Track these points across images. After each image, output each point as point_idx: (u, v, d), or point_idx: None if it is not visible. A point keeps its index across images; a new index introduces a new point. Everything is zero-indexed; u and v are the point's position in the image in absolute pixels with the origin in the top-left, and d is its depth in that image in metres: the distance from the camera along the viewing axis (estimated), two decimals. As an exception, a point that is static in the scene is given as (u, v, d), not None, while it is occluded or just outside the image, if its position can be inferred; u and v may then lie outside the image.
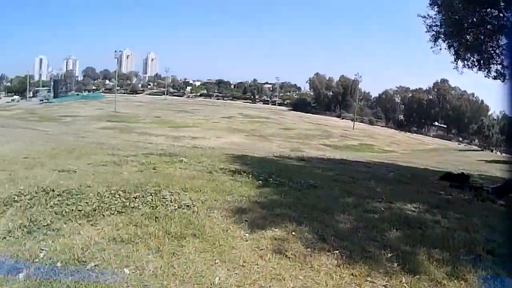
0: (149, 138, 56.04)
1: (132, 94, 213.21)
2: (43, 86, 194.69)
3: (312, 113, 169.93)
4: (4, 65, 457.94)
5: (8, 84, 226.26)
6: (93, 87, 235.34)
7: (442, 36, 23.11)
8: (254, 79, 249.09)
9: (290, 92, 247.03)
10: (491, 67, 21.91)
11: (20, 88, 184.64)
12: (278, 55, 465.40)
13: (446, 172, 18.84)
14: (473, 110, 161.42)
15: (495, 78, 21.41)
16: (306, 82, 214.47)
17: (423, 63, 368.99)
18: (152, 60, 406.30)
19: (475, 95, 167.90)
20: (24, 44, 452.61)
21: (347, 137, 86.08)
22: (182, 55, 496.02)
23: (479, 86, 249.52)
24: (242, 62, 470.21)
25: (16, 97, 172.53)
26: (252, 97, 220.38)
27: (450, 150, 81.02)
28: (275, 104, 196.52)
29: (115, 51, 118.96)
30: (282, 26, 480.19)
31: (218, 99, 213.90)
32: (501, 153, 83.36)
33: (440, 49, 23.67)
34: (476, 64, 22.53)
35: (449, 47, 23.19)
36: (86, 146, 20.26)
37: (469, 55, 22.73)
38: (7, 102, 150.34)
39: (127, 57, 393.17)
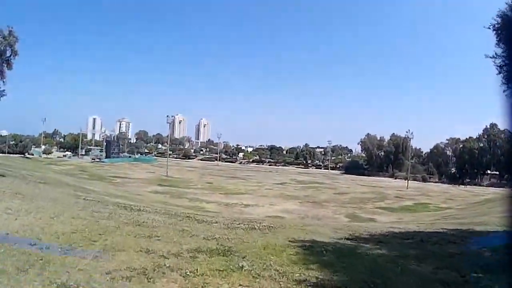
0: (200, 205, 54.46)
1: (184, 159, 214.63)
2: (95, 145, 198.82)
3: (365, 175, 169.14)
4: (58, 121, 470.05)
5: (61, 140, 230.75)
6: (146, 150, 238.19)
7: None
8: (306, 144, 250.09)
9: (341, 155, 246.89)
10: None
11: (73, 145, 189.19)
12: (329, 118, 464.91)
13: None
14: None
15: None
16: (358, 144, 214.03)
17: (471, 109, 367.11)
18: (204, 126, 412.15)
19: None
20: (78, 102, 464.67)
21: (402, 198, 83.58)
22: (234, 121, 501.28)
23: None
24: (294, 127, 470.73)
25: (68, 153, 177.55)
26: (304, 162, 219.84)
27: (508, 197, 77.69)
28: (327, 168, 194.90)
29: (167, 116, 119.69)
30: (330, 87, 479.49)
31: (270, 165, 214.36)
32: None
33: None
34: None
35: None
36: (119, 229, 15.17)
37: None
38: (58, 157, 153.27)
39: (180, 122, 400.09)
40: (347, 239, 17.73)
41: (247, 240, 14.88)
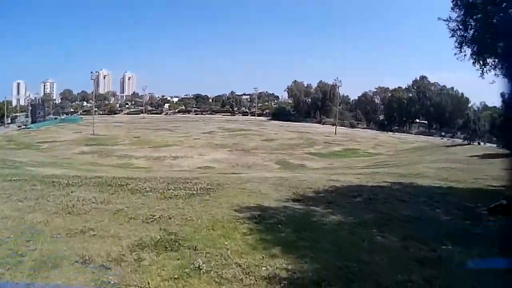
0: (130, 161, 54.74)
1: (110, 114, 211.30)
2: (21, 111, 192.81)
3: (292, 121, 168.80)
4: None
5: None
6: (71, 110, 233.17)
7: (469, 41, 22.20)
8: (232, 91, 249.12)
9: (268, 101, 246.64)
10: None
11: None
12: (255, 65, 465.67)
13: (496, 204, 15.93)
14: (453, 104, 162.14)
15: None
16: (284, 91, 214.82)
17: (402, 63, 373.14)
18: (129, 79, 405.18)
19: (454, 89, 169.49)
20: (1, 69, 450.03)
21: (331, 143, 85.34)
22: (158, 72, 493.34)
23: (458, 79, 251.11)
24: (219, 75, 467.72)
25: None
26: (231, 109, 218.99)
27: (437, 147, 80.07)
28: (254, 115, 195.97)
29: (91, 72, 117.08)
30: (255, 33, 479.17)
31: (196, 114, 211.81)
32: (484, 144, 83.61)
33: (465, 55, 22.82)
34: (504, 74, 21.24)
35: (476, 54, 22.27)
36: (48, 225, 12.23)
37: (496, 63, 21.93)
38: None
39: (104, 77, 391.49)
40: (294, 200, 16.94)
41: (190, 216, 13.00)
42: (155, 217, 12.60)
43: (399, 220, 13.78)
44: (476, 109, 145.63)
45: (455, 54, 22.68)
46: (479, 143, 78.48)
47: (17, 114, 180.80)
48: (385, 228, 12.53)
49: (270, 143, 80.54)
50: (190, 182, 20.30)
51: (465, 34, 22.10)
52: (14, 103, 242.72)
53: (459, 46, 22.37)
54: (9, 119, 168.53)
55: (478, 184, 24.90)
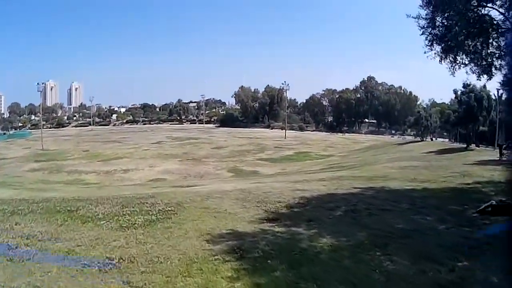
0: (80, 177, 54.55)
1: (59, 127, 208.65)
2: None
3: (241, 127, 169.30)
4: None
5: None
6: (20, 124, 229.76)
7: (438, 39, 22.55)
8: (179, 100, 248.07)
9: (216, 108, 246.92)
10: (492, 73, 21.97)
11: None
12: (201, 72, 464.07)
13: (486, 205, 15.49)
14: (402, 102, 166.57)
15: (503, 84, 20.96)
16: (232, 97, 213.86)
17: (350, 64, 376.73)
18: (76, 89, 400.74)
19: (402, 88, 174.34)
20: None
21: (282, 148, 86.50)
22: (105, 83, 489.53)
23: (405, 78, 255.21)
24: (166, 83, 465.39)
25: None
26: (178, 118, 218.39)
27: (390, 145, 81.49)
28: (202, 123, 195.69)
29: (37, 83, 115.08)
30: (201, 42, 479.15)
31: (144, 124, 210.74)
32: (436, 139, 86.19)
33: (436, 53, 23.06)
34: (477, 71, 22.47)
35: (445, 51, 22.76)
36: None
37: (468, 60, 22.53)
38: None
39: (51, 89, 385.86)
40: (269, 220, 14.84)
41: (157, 255, 10.35)
42: (113, 261, 9.88)
43: (397, 236, 12.49)
44: (425, 106, 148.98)
45: (424, 52, 23.06)
46: (431, 139, 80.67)
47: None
48: (388, 249, 11.04)
49: (220, 150, 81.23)
50: (147, 203, 18.04)
51: (435, 32, 22.44)
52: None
53: (429, 44, 22.70)
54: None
55: (450, 183, 24.49)
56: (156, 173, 54.15)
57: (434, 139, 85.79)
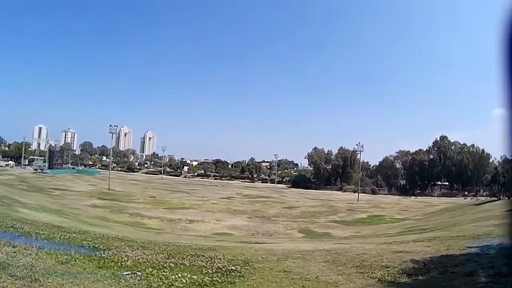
0: (141, 221, 51.18)
1: (129, 172, 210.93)
2: (40, 155, 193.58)
3: (313, 189, 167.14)
4: (3, 129, 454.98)
5: (6, 148, 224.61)
6: (90, 162, 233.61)
7: None
8: (252, 158, 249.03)
9: (288, 169, 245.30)
10: None
11: (16, 154, 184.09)
12: (275, 132, 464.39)
13: None
14: (475, 162, 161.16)
15: None
16: (305, 158, 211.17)
17: (420, 125, 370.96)
18: (149, 139, 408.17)
19: (475, 146, 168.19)
20: (25, 110, 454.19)
21: (355, 211, 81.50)
22: (179, 135, 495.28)
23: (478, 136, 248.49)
24: (240, 141, 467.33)
25: (11, 162, 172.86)
26: (250, 176, 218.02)
27: (466, 206, 75.41)
28: (274, 182, 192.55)
29: (110, 125, 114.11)
30: (276, 101, 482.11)
31: (215, 179, 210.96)
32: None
33: None
34: None
35: None
36: None
37: None
38: (0, 166, 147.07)
39: (125, 135, 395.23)
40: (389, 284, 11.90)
41: None
42: None
43: None
44: (497, 163, 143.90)
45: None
46: (508, 197, 73.42)
47: (34, 157, 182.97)
48: None
49: (291, 210, 76.50)
50: (203, 256, 14.53)
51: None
52: (34, 146, 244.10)
53: None
54: (27, 161, 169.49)
55: None
56: (222, 227, 50.07)
57: (507, 196, 77.52)
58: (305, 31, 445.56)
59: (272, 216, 66.49)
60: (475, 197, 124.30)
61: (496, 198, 75.05)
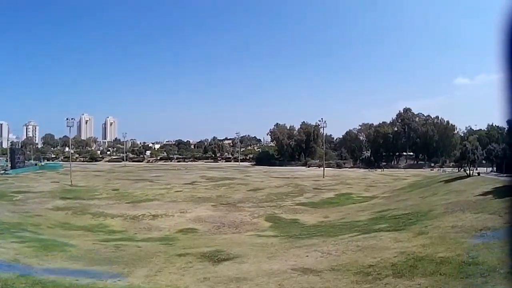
0: (104, 222, 50.19)
1: (92, 161, 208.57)
2: (3, 154, 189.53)
3: (277, 165, 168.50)
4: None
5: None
6: (52, 156, 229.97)
7: None
8: (214, 137, 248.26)
9: (251, 145, 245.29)
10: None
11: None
12: (236, 108, 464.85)
13: None
14: (440, 133, 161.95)
15: None
16: (267, 134, 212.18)
17: (382, 94, 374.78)
18: (111, 124, 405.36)
19: (439, 118, 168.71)
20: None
21: (321, 189, 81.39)
22: (141, 118, 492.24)
23: (441, 104, 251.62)
24: (201, 120, 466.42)
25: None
26: (213, 155, 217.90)
27: (435, 183, 74.82)
28: (237, 161, 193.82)
29: (67, 118, 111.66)
30: (235, 77, 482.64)
31: (179, 161, 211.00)
32: (478, 173, 76.71)
33: None
34: None
35: None
36: None
37: None
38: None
39: (86, 122, 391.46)
40: None
41: None
42: None
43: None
44: (462, 134, 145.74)
45: None
46: (478, 174, 73.17)
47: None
48: None
49: (257, 193, 76.24)
50: None
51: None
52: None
53: None
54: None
55: None
56: (187, 221, 49.08)
57: (477, 172, 77.01)
58: None
59: (238, 201, 65.92)
60: (441, 169, 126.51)
61: (466, 175, 74.68)
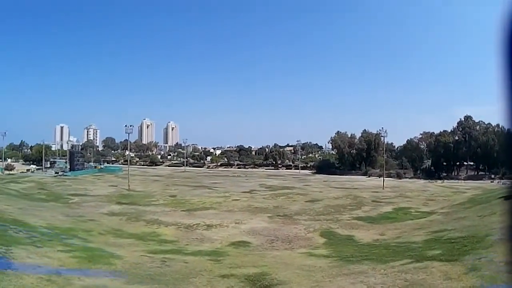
0: (157, 230, 49.47)
1: (152, 165, 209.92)
2: (62, 156, 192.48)
3: (337, 174, 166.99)
4: (26, 131, 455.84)
5: (29, 151, 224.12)
6: (112, 158, 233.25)
7: None
8: (275, 144, 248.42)
9: (312, 153, 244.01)
10: None
11: (38, 157, 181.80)
12: (298, 115, 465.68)
13: None
14: (501, 142, 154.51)
15: None
16: (328, 142, 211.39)
17: (443, 103, 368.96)
18: (172, 129, 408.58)
19: (500, 125, 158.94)
20: (46, 110, 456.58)
21: (380, 202, 78.80)
22: (202, 123, 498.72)
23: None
24: (263, 126, 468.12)
25: (32, 166, 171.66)
26: (273, 162, 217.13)
27: (495, 199, 70.86)
28: (298, 168, 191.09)
29: (125, 125, 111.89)
30: (298, 84, 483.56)
31: (239, 167, 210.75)
32: None
33: None
34: None
35: None
36: None
37: None
38: (22, 172, 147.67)
39: (147, 127, 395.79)
40: None
41: None
42: None
43: None
44: None
45: None
46: None
47: (55, 159, 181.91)
48: None
49: (314, 205, 74.11)
50: None
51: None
52: (57, 146, 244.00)
53: None
54: (48, 163, 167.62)
55: None
56: (240, 233, 47.81)
57: None
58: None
59: (294, 213, 64.30)
60: (501, 181, 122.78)
61: None
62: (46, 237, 36.49)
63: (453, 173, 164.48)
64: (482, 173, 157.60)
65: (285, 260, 33.09)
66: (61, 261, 26.78)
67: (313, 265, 30.20)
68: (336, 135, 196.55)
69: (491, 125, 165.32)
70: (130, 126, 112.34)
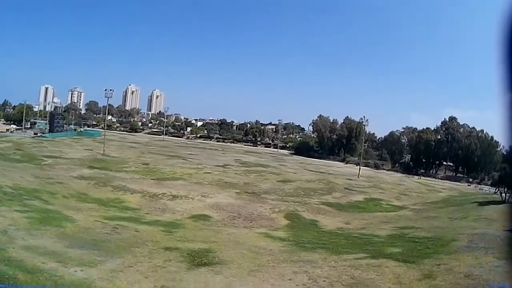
0: (122, 197, 49.79)
1: (131, 132, 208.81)
2: (44, 117, 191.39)
3: (315, 158, 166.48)
4: (11, 92, 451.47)
5: (11, 111, 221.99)
6: (94, 122, 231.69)
7: None
8: (257, 121, 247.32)
9: (293, 133, 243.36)
10: None
11: (19, 117, 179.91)
12: (281, 95, 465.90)
13: None
14: (483, 148, 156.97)
15: None
16: (309, 125, 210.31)
17: (430, 101, 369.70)
18: (157, 97, 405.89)
19: (484, 132, 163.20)
20: (33, 72, 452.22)
21: (352, 190, 78.27)
22: (188, 93, 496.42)
23: (487, 120, 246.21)
24: (246, 102, 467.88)
25: (12, 126, 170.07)
26: (253, 139, 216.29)
27: (469, 203, 70.74)
28: (277, 148, 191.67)
29: (105, 90, 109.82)
30: (286, 65, 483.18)
31: (218, 141, 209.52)
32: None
33: None
34: None
35: None
36: None
37: None
38: (0, 131, 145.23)
39: (132, 93, 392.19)
40: None
41: None
42: None
43: None
44: (504, 152, 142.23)
45: None
46: None
47: (36, 120, 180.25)
48: None
49: (285, 185, 74.03)
50: None
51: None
52: (38, 108, 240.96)
53: None
54: (29, 124, 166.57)
55: None
56: (204, 207, 47.81)
57: None
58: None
59: (263, 192, 64.18)
60: (478, 186, 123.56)
61: (501, 199, 70.77)
62: (7, 196, 36.48)
63: (431, 171, 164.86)
64: (461, 175, 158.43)
65: (239, 239, 33.23)
66: (13, 221, 26.86)
67: (264, 247, 30.15)
68: (318, 119, 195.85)
69: (475, 129, 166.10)
70: (111, 90, 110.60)
